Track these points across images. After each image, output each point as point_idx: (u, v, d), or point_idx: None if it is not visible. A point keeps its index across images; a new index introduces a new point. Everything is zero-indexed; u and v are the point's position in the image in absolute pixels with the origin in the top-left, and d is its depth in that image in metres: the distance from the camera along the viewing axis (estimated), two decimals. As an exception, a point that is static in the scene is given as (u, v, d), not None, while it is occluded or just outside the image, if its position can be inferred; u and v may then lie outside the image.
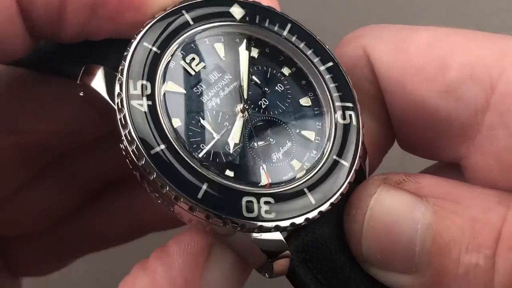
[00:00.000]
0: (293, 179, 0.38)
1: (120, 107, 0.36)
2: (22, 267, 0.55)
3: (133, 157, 0.36)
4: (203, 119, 0.38)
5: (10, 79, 0.46)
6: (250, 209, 0.36)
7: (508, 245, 0.36)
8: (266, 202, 0.36)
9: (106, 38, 0.40)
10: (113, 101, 0.37)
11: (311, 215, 0.37)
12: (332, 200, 0.38)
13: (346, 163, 0.39)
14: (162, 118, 0.37)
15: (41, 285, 0.59)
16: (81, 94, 0.39)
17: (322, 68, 0.41)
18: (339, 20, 0.70)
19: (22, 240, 0.53)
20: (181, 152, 0.36)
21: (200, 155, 0.37)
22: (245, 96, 0.40)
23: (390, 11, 0.71)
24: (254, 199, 0.36)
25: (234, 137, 0.38)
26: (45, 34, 0.40)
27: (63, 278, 0.59)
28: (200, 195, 0.35)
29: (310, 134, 0.40)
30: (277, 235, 0.37)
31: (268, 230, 0.36)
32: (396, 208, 0.38)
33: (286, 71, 0.41)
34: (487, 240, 0.36)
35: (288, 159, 0.39)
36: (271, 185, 0.38)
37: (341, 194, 0.38)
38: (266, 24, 0.41)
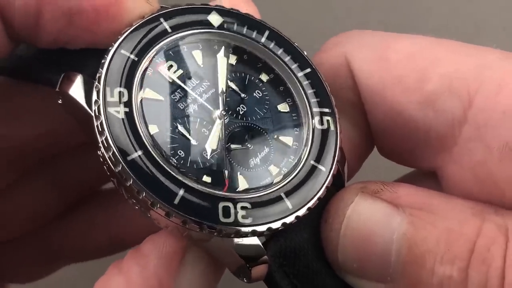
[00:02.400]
0: (270, 184, 0.38)
1: (97, 114, 0.36)
2: (7, 273, 0.55)
3: (110, 163, 0.36)
4: (181, 125, 0.38)
5: None
6: (226, 214, 0.36)
7: (482, 257, 0.36)
8: (243, 207, 0.37)
9: (83, 47, 0.40)
10: (91, 108, 0.37)
11: (288, 219, 0.37)
12: (309, 204, 0.38)
13: (323, 168, 0.39)
14: (139, 125, 0.37)
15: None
16: (59, 102, 0.39)
17: (300, 74, 0.41)
18: (339, 20, 0.70)
19: (6, 245, 0.54)
20: (157, 159, 0.36)
21: (177, 161, 0.37)
22: (223, 103, 0.40)
23: (390, 11, 0.71)
24: (231, 205, 0.36)
25: (211, 143, 0.39)
26: (24, 38, 0.40)
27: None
28: (176, 201, 0.36)
29: (288, 140, 0.40)
30: (255, 240, 0.38)
31: (245, 235, 0.36)
32: (372, 217, 0.38)
33: (264, 77, 0.41)
34: (461, 252, 0.36)
35: (266, 164, 0.39)
36: (248, 190, 0.38)
37: (319, 198, 0.38)
38: (244, 31, 0.41)
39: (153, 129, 0.37)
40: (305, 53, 0.42)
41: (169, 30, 0.40)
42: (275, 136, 0.40)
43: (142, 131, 0.37)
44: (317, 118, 0.40)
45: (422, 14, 0.70)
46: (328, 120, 0.41)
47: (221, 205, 0.36)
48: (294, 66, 0.41)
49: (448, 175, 0.41)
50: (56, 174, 0.52)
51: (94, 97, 0.37)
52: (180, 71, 0.40)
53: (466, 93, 0.39)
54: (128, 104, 0.37)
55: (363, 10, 0.71)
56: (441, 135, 0.40)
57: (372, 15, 0.70)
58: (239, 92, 0.41)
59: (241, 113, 0.40)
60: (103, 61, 0.38)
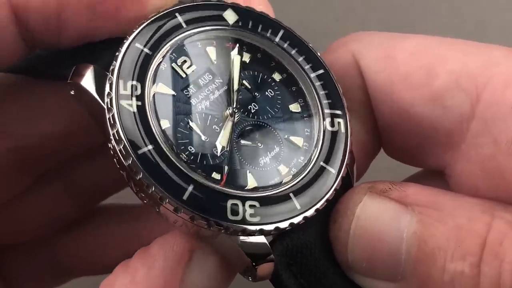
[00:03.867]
0: (279, 184, 0.38)
1: (109, 106, 0.36)
2: (18, 282, 0.55)
3: (121, 156, 0.36)
4: (192, 121, 0.38)
5: (2, 84, 0.46)
6: (235, 212, 0.36)
7: (494, 252, 0.36)
8: (251, 206, 0.37)
9: (107, 38, 0.40)
10: (103, 100, 0.37)
11: (295, 220, 0.37)
12: (317, 206, 0.38)
13: (333, 170, 0.39)
14: (151, 119, 0.37)
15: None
16: (72, 93, 0.39)
17: (312, 75, 0.41)
18: (339, 21, 0.70)
19: (18, 253, 0.53)
20: (168, 153, 0.36)
21: (187, 157, 0.37)
22: (235, 100, 0.40)
23: (390, 11, 0.71)
24: (239, 202, 0.36)
25: (222, 140, 0.39)
26: (43, 42, 0.40)
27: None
28: (185, 197, 0.36)
29: (298, 140, 0.40)
30: (262, 239, 0.38)
31: (252, 233, 0.36)
32: (381, 216, 0.38)
33: (277, 76, 0.41)
34: (472, 247, 0.36)
35: (276, 164, 0.39)
36: (257, 189, 0.38)
37: (327, 200, 0.38)
38: (259, 30, 0.41)
39: (165, 123, 0.37)
40: (319, 54, 0.42)
41: (184, 25, 0.40)
42: (286, 136, 0.40)
43: (153, 126, 0.37)
44: (328, 120, 0.40)
45: (423, 14, 0.70)
46: (339, 122, 0.40)
47: (229, 202, 0.36)
48: (307, 67, 0.41)
49: (456, 171, 0.41)
50: (70, 180, 0.52)
51: (107, 89, 0.37)
52: (194, 67, 0.40)
53: (474, 89, 0.39)
54: (141, 97, 0.37)
55: (363, 10, 0.71)
56: (449, 132, 0.40)
57: (373, 15, 0.70)
58: (252, 90, 0.41)
59: (252, 111, 0.40)
60: (117, 53, 0.38)
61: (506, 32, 0.39)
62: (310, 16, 0.65)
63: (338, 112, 0.41)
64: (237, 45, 0.41)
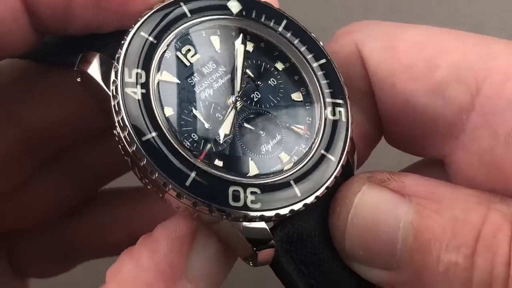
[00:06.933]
0: (280, 171, 0.39)
1: (114, 94, 0.37)
2: (27, 268, 0.55)
3: (125, 143, 0.37)
4: (196, 109, 0.39)
5: (11, 69, 0.47)
6: (236, 198, 0.37)
7: (487, 244, 0.37)
8: (252, 192, 0.37)
9: (113, 31, 0.41)
10: (109, 88, 0.38)
11: (296, 206, 0.38)
12: (317, 193, 0.39)
13: (333, 158, 0.40)
14: (155, 107, 0.37)
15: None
16: (78, 80, 0.40)
17: (315, 64, 0.42)
18: (339, 21, 0.70)
19: (26, 239, 0.54)
20: (171, 140, 0.37)
21: (191, 144, 0.38)
22: (238, 89, 0.40)
23: (390, 11, 0.71)
24: (240, 189, 0.37)
25: (225, 128, 0.39)
26: (52, 30, 0.41)
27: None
28: (188, 183, 0.36)
29: (300, 129, 0.41)
30: (263, 224, 0.38)
31: (253, 219, 0.37)
32: (379, 206, 0.39)
33: (279, 66, 0.42)
34: (467, 239, 0.37)
35: (277, 151, 0.40)
36: (258, 176, 0.39)
37: (327, 187, 0.39)
38: (262, 20, 0.42)
39: (169, 111, 0.38)
40: (321, 44, 0.43)
41: (188, 14, 0.40)
42: (287, 124, 0.41)
43: (157, 113, 0.37)
44: (329, 109, 0.41)
45: (422, 15, 0.71)
46: (340, 111, 0.41)
47: (231, 189, 0.37)
48: (309, 56, 0.42)
49: (455, 162, 0.42)
50: (74, 165, 0.53)
51: (112, 77, 0.38)
52: (198, 56, 0.40)
53: (474, 81, 0.40)
54: (145, 85, 0.38)
55: (363, 10, 0.72)
56: (449, 123, 0.41)
57: (373, 15, 0.70)
58: (254, 79, 0.41)
59: (255, 100, 0.41)
60: (122, 42, 0.38)
61: (506, 33, 0.40)
62: (310, 16, 0.66)
63: (339, 101, 0.41)
64: (241, 34, 0.42)
